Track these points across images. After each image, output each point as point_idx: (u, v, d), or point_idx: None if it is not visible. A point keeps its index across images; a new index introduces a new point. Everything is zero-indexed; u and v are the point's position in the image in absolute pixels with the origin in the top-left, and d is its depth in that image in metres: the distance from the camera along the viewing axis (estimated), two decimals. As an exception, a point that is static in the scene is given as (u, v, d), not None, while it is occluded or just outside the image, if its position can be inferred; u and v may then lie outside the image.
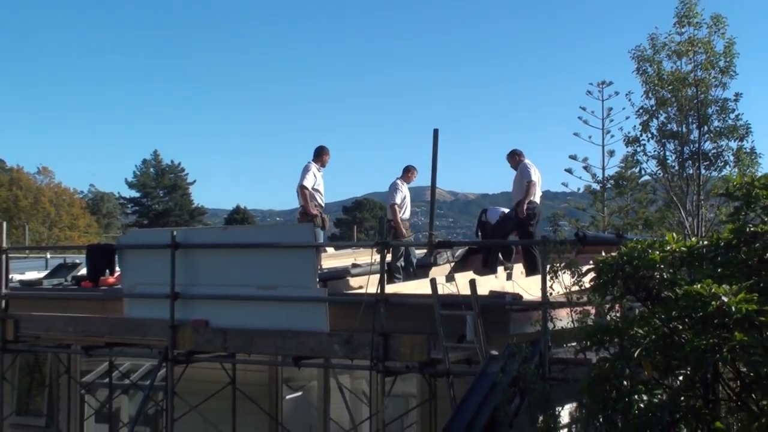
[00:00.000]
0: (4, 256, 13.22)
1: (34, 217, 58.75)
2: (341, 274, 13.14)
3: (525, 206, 14.09)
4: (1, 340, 13.06)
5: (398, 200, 14.56)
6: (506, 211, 15.42)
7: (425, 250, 15.10)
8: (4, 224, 14.15)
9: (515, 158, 15.06)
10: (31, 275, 15.75)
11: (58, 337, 12.92)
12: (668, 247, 7.43)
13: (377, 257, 10.87)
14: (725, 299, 6.31)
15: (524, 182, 14.35)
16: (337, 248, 15.30)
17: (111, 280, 13.49)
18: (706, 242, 7.66)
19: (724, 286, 6.42)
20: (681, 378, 7.01)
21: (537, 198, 14.38)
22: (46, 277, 15.35)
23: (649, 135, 21.17)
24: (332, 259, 15.64)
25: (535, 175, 14.32)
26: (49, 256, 19.97)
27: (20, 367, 15.01)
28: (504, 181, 15.83)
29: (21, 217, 55.25)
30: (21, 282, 14.91)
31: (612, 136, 28.30)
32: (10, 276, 13.74)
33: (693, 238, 8.80)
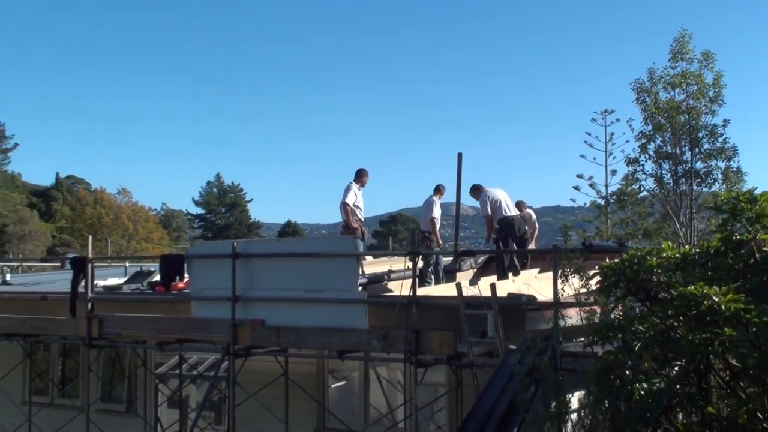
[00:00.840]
0: (90, 265, 13.36)
1: (115, 232, 59.29)
2: (379, 278, 13.13)
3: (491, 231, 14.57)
4: (87, 337, 13.16)
5: (437, 215, 14.68)
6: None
7: (452, 258, 15.07)
8: (90, 238, 14.30)
9: (477, 193, 15.40)
10: (113, 281, 15.85)
11: (135, 335, 13.02)
12: (664, 254, 7.40)
13: (410, 264, 10.87)
14: (715, 299, 6.28)
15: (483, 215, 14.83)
16: (374, 257, 15.28)
17: (181, 285, 13.56)
18: (698, 250, 7.61)
19: (714, 287, 6.39)
20: (677, 368, 6.94)
21: (509, 212, 14.55)
22: (126, 282, 15.45)
23: (647, 156, 21.22)
24: (371, 266, 15.65)
25: (490, 204, 14.62)
26: (127, 264, 20.10)
27: (104, 361, 15.13)
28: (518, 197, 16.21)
29: (104, 231, 55.75)
30: (104, 287, 15.01)
31: (614, 158, 28.29)
32: (95, 282, 13.85)
33: (686, 246, 8.71)
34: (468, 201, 14.75)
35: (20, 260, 35.16)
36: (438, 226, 15.05)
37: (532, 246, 15.47)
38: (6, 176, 71.05)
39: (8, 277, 19.46)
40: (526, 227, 15.25)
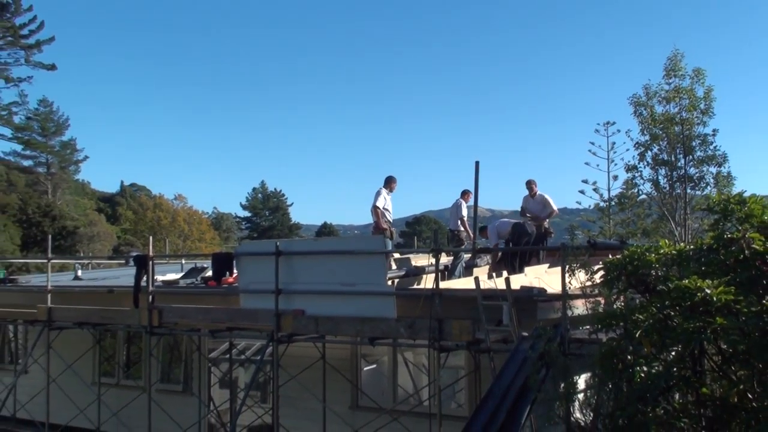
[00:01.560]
0: (150, 262, 13.46)
1: (172, 233, 59.67)
2: (407, 273, 13.12)
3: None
4: (149, 326, 13.25)
5: (465, 214, 14.86)
6: (511, 222, 15.45)
7: (470, 255, 15.04)
8: (150, 238, 14.41)
9: (533, 187, 15.82)
10: (171, 276, 15.96)
11: (191, 323, 13.07)
12: (662, 251, 7.36)
13: (433, 260, 10.86)
14: (708, 291, 6.26)
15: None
16: (401, 254, 15.25)
17: (230, 279, 13.61)
18: (692, 247, 7.56)
19: (707, 281, 6.36)
20: (673, 353, 6.89)
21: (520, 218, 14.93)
22: (182, 277, 15.54)
23: (645, 163, 21.13)
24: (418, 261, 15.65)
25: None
26: (183, 262, 20.23)
27: (163, 346, 15.22)
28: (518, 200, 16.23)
29: (162, 232, 56.15)
30: (163, 281, 15.10)
31: (615, 164, 28.12)
32: (155, 277, 13.95)
33: (681, 244, 8.63)
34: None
35: (90, 258, 35.48)
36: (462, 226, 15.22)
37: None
38: (77, 185, 71.86)
39: (80, 273, 19.63)
40: (546, 220, 15.22)
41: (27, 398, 15.80)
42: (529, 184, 15.85)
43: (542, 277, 12.24)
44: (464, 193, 15.25)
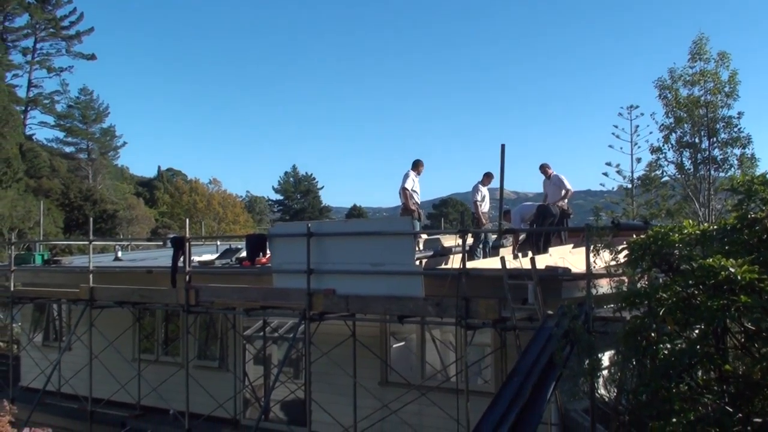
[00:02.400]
0: (187, 244, 13.56)
1: (207, 216, 59.99)
2: (435, 254, 13.09)
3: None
4: (186, 304, 13.36)
5: (479, 198, 14.66)
6: (535, 205, 15.26)
7: (496, 236, 14.95)
8: (187, 221, 14.50)
9: (547, 170, 15.63)
10: (207, 257, 16.08)
11: (226, 302, 13.15)
12: (685, 231, 7.28)
13: (460, 241, 10.82)
14: (732, 270, 6.19)
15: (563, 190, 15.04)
16: (429, 235, 15.19)
17: (264, 260, 13.67)
18: (715, 227, 7.46)
19: (731, 260, 6.30)
20: (697, 331, 6.82)
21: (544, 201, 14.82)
22: (217, 258, 15.64)
23: (670, 145, 20.80)
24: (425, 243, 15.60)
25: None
26: (218, 243, 20.36)
27: (200, 324, 15.34)
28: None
29: (198, 215, 56.44)
30: (199, 262, 15.22)
31: (639, 147, 27.68)
32: (192, 258, 14.04)
33: (705, 224, 8.51)
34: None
35: (129, 240, 35.88)
36: (485, 207, 15.01)
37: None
38: (117, 170, 72.47)
39: (120, 254, 19.86)
40: (565, 201, 15.04)
41: (71, 374, 16.05)
42: (543, 168, 15.67)
43: (566, 257, 12.15)
44: (485, 176, 15.06)
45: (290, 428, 12.80)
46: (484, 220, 14.62)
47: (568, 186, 15.17)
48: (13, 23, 69.72)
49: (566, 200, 15.15)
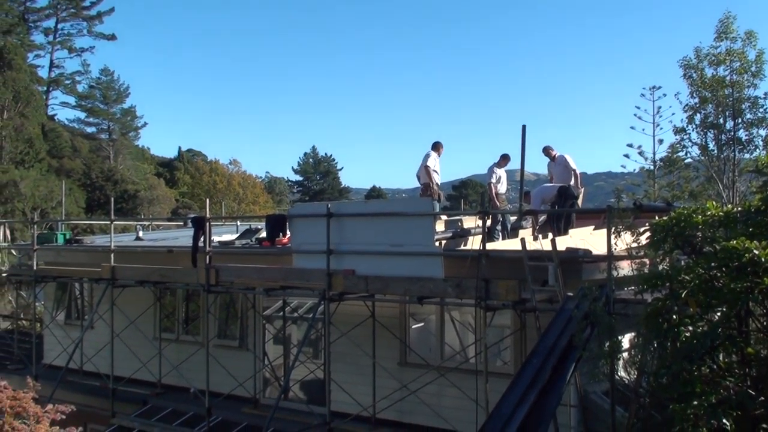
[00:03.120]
0: (207, 224, 13.61)
1: (227, 196, 60.12)
2: (455, 235, 13.06)
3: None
4: (206, 284, 13.43)
5: (494, 180, 14.56)
6: (556, 186, 15.02)
7: (516, 217, 14.89)
8: (207, 201, 14.56)
9: (550, 152, 15.42)
10: (227, 237, 16.13)
11: (246, 282, 13.20)
12: (709, 212, 7.22)
13: (479, 222, 10.79)
14: (756, 252, 6.13)
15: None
16: (448, 216, 15.17)
17: (284, 240, 13.71)
18: (739, 208, 7.38)
19: (754, 242, 6.22)
20: (719, 314, 6.77)
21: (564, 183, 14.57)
22: (237, 238, 15.68)
23: (693, 126, 20.56)
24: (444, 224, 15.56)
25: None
26: (239, 223, 20.43)
27: (220, 304, 15.43)
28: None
29: (218, 196, 56.59)
30: (219, 242, 15.28)
31: (661, 128, 27.45)
32: (212, 238, 14.10)
33: (729, 206, 8.43)
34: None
35: (150, 220, 36.09)
36: (502, 189, 14.93)
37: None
38: (137, 150, 72.76)
39: (141, 234, 19.97)
40: (578, 183, 14.85)
41: (93, 352, 16.24)
42: (546, 150, 15.42)
43: (587, 238, 12.09)
44: (501, 158, 14.92)
45: (309, 407, 12.89)
46: (499, 202, 14.53)
47: (574, 166, 14.92)
48: (35, 3, 70.08)
49: (579, 181, 14.92)
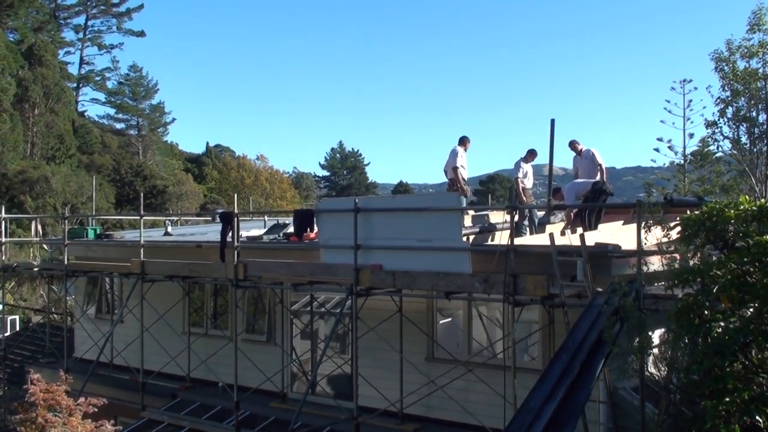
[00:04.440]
0: (235, 219, 13.68)
1: (255, 191, 60.45)
2: (483, 230, 13.01)
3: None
4: (234, 279, 13.51)
5: (520, 175, 14.53)
6: (590, 181, 14.84)
7: (545, 212, 14.81)
8: (235, 196, 14.63)
9: (576, 146, 15.25)
10: (255, 232, 16.20)
11: (274, 277, 13.27)
12: (741, 207, 7.12)
13: (507, 217, 10.74)
14: (790, 247, 6.00)
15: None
16: (476, 211, 15.11)
17: (311, 235, 13.73)
18: (773, 203, 7.26)
19: (789, 237, 6.10)
20: (751, 309, 6.68)
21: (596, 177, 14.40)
22: (265, 233, 15.73)
23: (725, 120, 20.27)
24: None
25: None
26: (266, 218, 20.52)
27: (248, 299, 15.51)
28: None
29: (246, 191, 56.97)
30: (247, 237, 15.34)
31: (691, 122, 27.02)
32: (240, 233, 14.16)
33: (762, 200, 8.31)
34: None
35: (179, 215, 36.43)
36: (528, 184, 14.89)
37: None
38: (166, 146, 73.52)
39: (170, 228, 20.13)
40: (604, 179, 14.68)
41: (123, 346, 16.42)
42: (572, 144, 15.28)
43: (616, 233, 11.98)
44: (528, 153, 14.86)
45: (337, 402, 12.93)
46: (525, 197, 14.46)
47: (600, 161, 14.78)
48: (66, 1, 71.05)
49: (605, 176, 14.75)
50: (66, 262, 17.56)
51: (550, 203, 13.53)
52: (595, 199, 13.83)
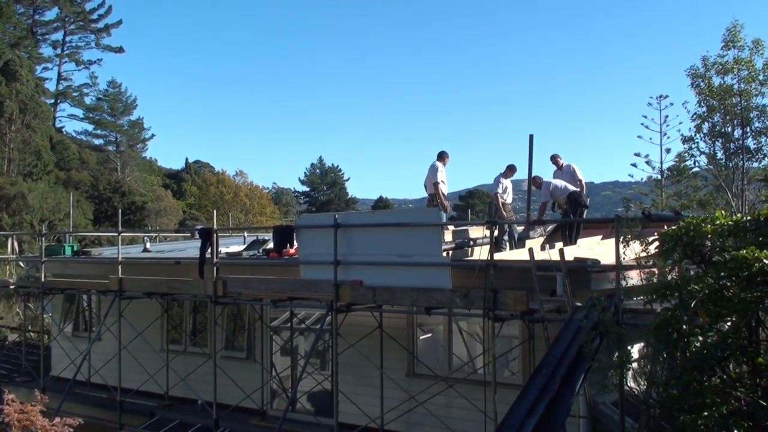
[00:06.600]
0: (215, 235, 13.63)
1: (234, 207, 60.29)
2: (461, 245, 13.04)
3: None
4: (214, 296, 13.44)
5: (500, 190, 14.61)
6: (569, 189, 14.91)
7: (524, 227, 14.88)
8: (214, 212, 14.61)
9: (558, 160, 15.39)
10: (234, 248, 16.16)
11: (253, 293, 13.19)
12: (718, 222, 7.19)
13: (486, 233, 10.77)
14: (766, 261, 6.10)
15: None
16: (456, 227, 15.16)
17: (291, 251, 13.71)
18: (749, 217, 7.35)
19: (764, 251, 6.20)
20: (729, 324, 6.74)
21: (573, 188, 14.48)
22: (244, 249, 15.70)
23: (702, 135, 20.54)
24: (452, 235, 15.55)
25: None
26: (246, 234, 20.45)
27: (227, 315, 15.41)
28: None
29: (225, 207, 56.82)
30: (227, 253, 15.30)
31: (668, 138, 27.37)
32: (219, 249, 14.11)
33: (738, 215, 8.40)
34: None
35: (157, 231, 36.20)
36: (508, 199, 14.96)
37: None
38: (145, 162, 73.20)
39: (148, 245, 20.02)
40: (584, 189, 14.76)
41: (100, 364, 16.25)
42: (554, 159, 15.42)
43: (595, 248, 12.06)
44: (507, 169, 14.94)
45: (317, 419, 12.86)
46: (504, 212, 14.53)
47: (581, 176, 14.94)
48: (43, 17, 70.74)
49: (584, 192, 14.90)
50: (43, 280, 17.38)
51: (530, 218, 13.60)
52: (572, 210, 13.92)
